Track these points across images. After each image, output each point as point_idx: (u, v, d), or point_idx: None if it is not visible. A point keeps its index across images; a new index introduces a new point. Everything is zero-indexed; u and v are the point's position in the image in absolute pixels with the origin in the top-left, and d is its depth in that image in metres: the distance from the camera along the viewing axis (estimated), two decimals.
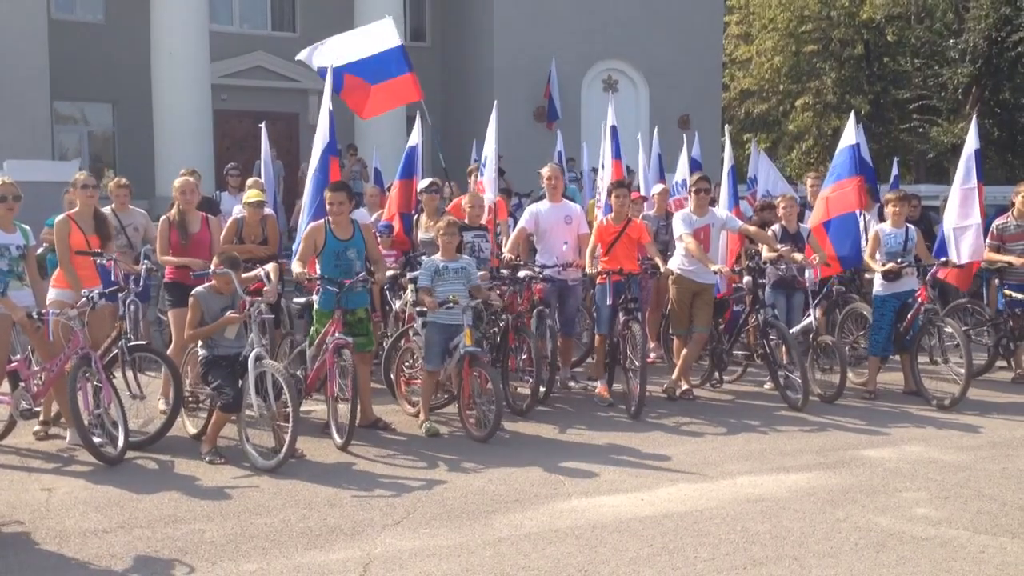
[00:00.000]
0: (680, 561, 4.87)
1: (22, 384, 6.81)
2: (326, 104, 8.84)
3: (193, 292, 6.82)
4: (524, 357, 8.37)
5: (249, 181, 10.53)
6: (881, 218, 10.23)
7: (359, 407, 7.11)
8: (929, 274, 8.81)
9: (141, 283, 7.67)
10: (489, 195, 9.54)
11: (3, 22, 16.14)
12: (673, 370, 9.06)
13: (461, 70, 21.78)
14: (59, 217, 7.37)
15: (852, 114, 10.21)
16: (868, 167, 11.73)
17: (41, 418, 7.23)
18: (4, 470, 6.36)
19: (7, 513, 5.51)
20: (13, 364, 6.78)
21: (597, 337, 8.88)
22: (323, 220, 7.52)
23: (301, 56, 10.49)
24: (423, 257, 8.37)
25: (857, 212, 9.52)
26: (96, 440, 6.52)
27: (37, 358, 6.99)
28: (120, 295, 7.04)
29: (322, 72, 9.72)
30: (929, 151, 29.23)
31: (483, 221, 9.02)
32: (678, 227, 8.79)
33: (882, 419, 8.07)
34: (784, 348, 8.63)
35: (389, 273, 9.17)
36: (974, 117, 10.39)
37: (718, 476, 6.39)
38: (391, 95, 10.27)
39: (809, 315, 8.93)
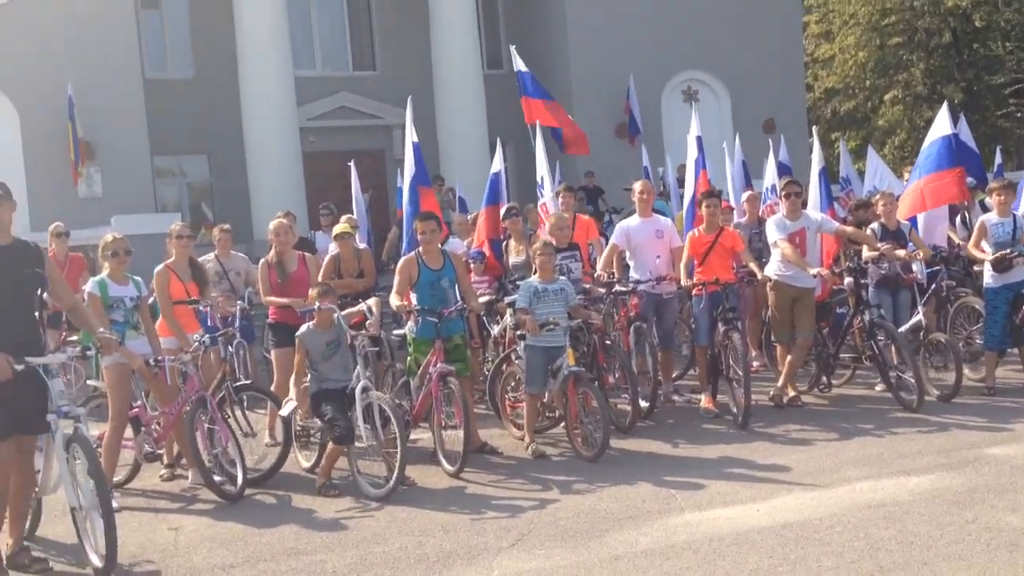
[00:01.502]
0: (803, 571, 4.76)
1: (143, 429, 7.09)
2: (410, 136, 9.02)
3: (297, 334, 7.00)
4: (618, 374, 8.33)
5: (343, 218, 10.78)
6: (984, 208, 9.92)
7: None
8: None
9: (237, 323, 7.92)
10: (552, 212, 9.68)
11: (102, 84, 16.90)
12: (778, 378, 8.89)
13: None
14: (158, 268, 7.68)
15: (944, 104, 9.91)
16: (974, 156, 11.33)
17: (166, 461, 7.50)
18: (132, 512, 6.61)
19: (139, 553, 5.72)
20: (134, 410, 7.06)
21: (698, 349, 8.78)
22: (414, 252, 7.67)
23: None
24: (518, 281, 8.43)
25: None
26: (216, 479, 6.74)
27: (152, 403, 7.26)
28: (221, 338, 7.28)
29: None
30: None
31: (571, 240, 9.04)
32: (772, 233, 8.65)
33: (1004, 415, 7.76)
34: (894, 348, 8.39)
35: (484, 299, 9.26)
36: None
37: (835, 483, 6.24)
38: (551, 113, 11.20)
39: (918, 312, 8.67)
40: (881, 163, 13.07)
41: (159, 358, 6.84)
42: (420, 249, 7.63)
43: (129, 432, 7.03)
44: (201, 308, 7.74)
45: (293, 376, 7.09)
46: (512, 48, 11.51)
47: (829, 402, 8.81)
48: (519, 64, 11.19)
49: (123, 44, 17.43)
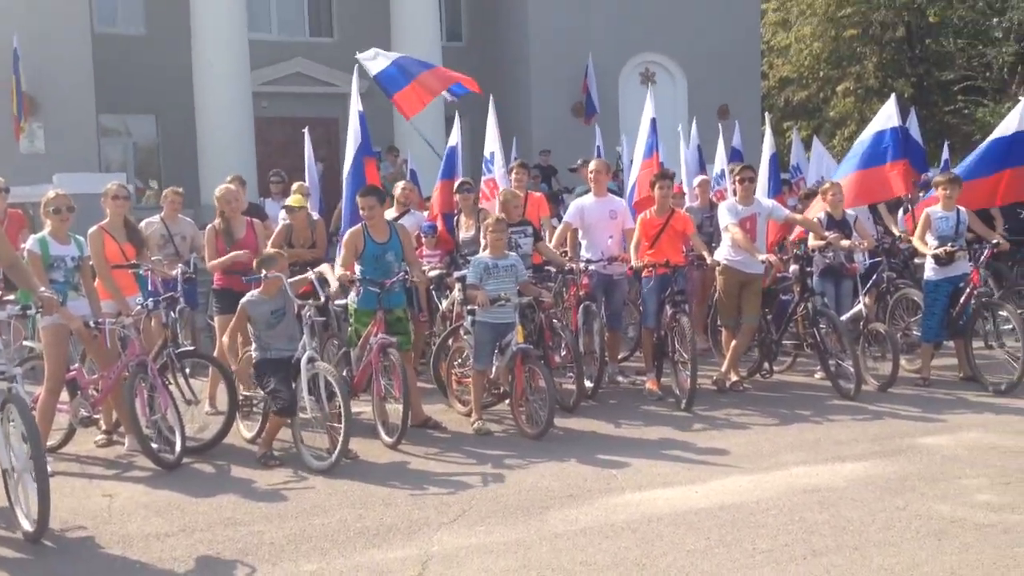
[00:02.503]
0: (739, 553, 4.83)
1: (80, 393, 6.94)
2: (355, 105, 8.90)
3: (243, 300, 6.90)
4: (564, 353, 8.37)
5: (295, 186, 10.64)
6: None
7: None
8: (983, 256, 8.63)
9: (179, 288, 7.78)
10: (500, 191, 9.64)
11: (48, 37, 16.42)
12: (721, 362, 8.99)
13: (497, 69, 21.74)
14: (92, 229, 7.47)
15: (893, 96, 10.04)
16: (919, 150, 11.53)
17: (103, 427, 7.37)
18: (66, 477, 6.48)
19: (70, 519, 5.62)
20: (71, 373, 6.90)
21: (644, 331, 8.84)
22: (360, 225, 7.59)
23: (364, 59, 10.63)
24: (468, 257, 8.40)
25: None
26: (154, 446, 6.63)
27: (90, 366, 7.12)
28: (163, 303, 7.15)
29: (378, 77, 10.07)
30: (975, 133, 28.65)
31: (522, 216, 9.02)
32: (724, 217, 8.72)
33: (938, 406, 7.95)
34: (835, 336, 8.53)
35: (434, 273, 9.22)
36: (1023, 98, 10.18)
37: (772, 467, 6.34)
38: (427, 88, 10.41)
39: (859, 302, 8.82)
40: (826, 153, 13.25)
41: (99, 320, 6.69)
42: (366, 223, 7.56)
43: (65, 395, 6.88)
44: (141, 272, 7.58)
45: (226, 337, 6.98)
46: (356, 55, 10.82)
47: (770, 388, 8.94)
48: (372, 70, 10.59)
49: None
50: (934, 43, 30.67)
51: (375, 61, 10.61)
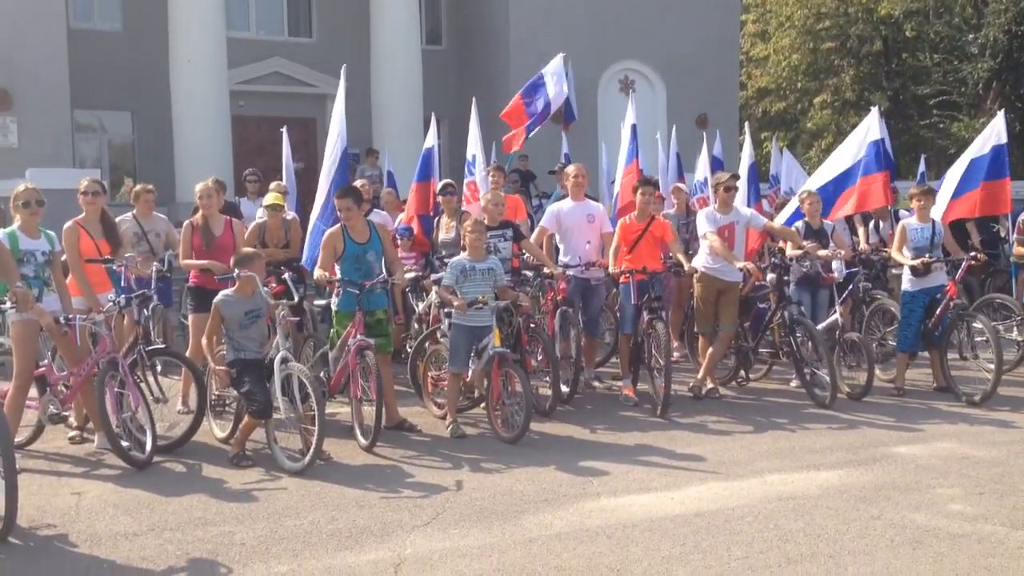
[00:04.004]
0: (713, 560, 4.81)
1: (49, 389, 6.82)
2: (339, 105, 8.82)
3: (216, 299, 6.80)
4: (541, 358, 8.34)
5: (272, 185, 10.56)
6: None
7: (385, 408, 7.11)
8: (960, 270, 8.68)
9: (153, 286, 7.68)
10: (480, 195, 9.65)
11: (23, 32, 16.25)
12: (697, 369, 9.00)
13: (477, 73, 21.75)
14: (67, 224, 7.39)
15: (875, 109, 10.12)
16: (889, 163, 11.67)
17: (75, 424, 7.25)
18: (34, 474, 6.37)
19: (38, 517, 5.51)
20: (41, 369, 6.79)
21: (621, 336, 8.82)
22: (340, 226, 7.51)
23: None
24: (447, 259, 8.35)
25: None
26: (124, 444, 6.53)
27: (60, 363, 7.01)
28: (135, 300, 7.06)
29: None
30: (950, 147, 28.97)
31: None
32: (702, 225, 8.73)
33: (912, 416, 7.98)
34: (811, 345, 8.56)
35: (410, 275, 9.17)
36: (1000, 112, 10.29)
37: (748, 474, 6.33)
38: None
39: (835, 312, 8.86)
40: (796, 165, 13.35)
41: (69, 317, 6.58)
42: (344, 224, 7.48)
43: (34, 392, 6.77)
44: (115, 268, 7.49)
45: (204, 339, 6.89)
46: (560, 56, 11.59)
47: (746, 395, 8.95)
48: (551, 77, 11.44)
49: None
50: (910, 58, 31.02)
51: (559, 75, 11.39)
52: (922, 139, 29.59)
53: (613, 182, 11.67)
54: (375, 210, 9.92)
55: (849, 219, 10.60)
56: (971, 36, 28.45)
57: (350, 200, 7.43)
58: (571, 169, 9.23)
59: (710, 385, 8.81)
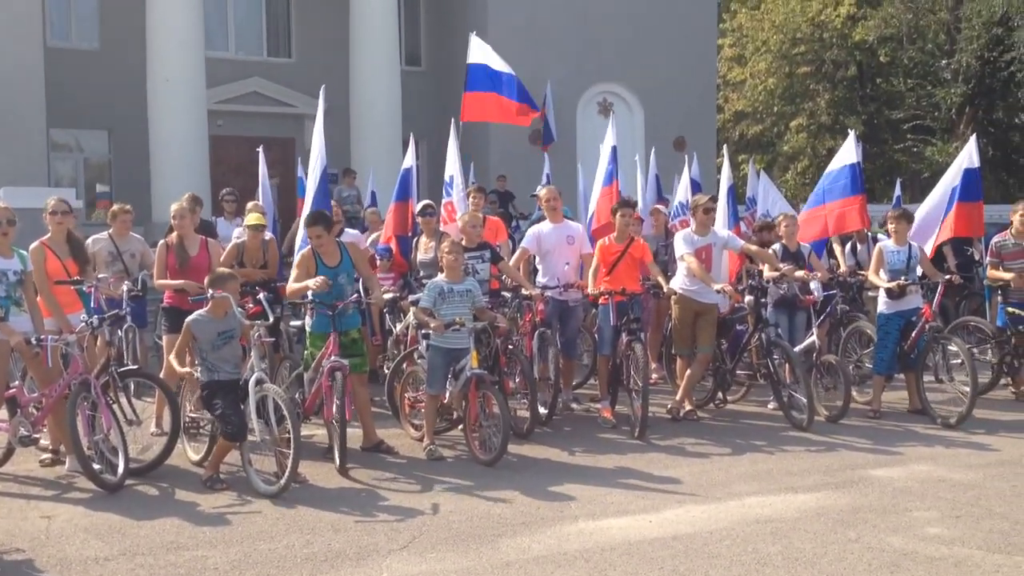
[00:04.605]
0: None
1: (20, 411, 6.72)
2: (319, 126, 8.81)
3: (188, 319, 6.73)
4: (519, 379, 8.31)
5: (249, 205, 10.49)
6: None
7: (363, 429, 7.05)
8: (937, 293, 8.74)
9: (125, 306, 7.58)
10: (458, 215, 9.64)
11: (0, 49, 16.12)
12: (675, 391, 8.99)
13: (456, 94, 21.73)
14: (33, 245, 7.30)
15: (852, 133, 10.22)
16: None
17: (51, 447, 7.13)
18: (3, 498, 6.26)
19: (7, 541, 5.41)
20: (11, 391, 6.69)
21: (600, 358, 8.81)
22: (310, 248, 7.47)
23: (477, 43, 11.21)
24: (424, 280, 8.32)
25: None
26: (96, 467, 6.43)
27: (31, 384, 6.90)
28: (107, 321, 6.96)
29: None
30: (923, 171, 29.33)
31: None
32: (680, 247, 8.75)
33: (888, 438, 8.01)
34: (788, 367, 8.58)
35: (388, 296, 9.12)
36: (972, 136, 10.43)
37: (725, 497, 6.32)
38: (500, 108, 11.10)
39: (812, 334, 8.89)
40: (772, 188, 13.44)
41: (41, 337, 6.49)
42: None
43: (3, 413, 6.66)
44: (84, 289, 7.39)
45: (173, 357, 6.81)
46: (472, 35, 11.41)
47: (723, 417, 8.95)
48: (474, 56, 11.16)
49: (25, 8, 16.65)
50: (885, 83, 31.41)
51: (483, 50, 11.20)
52: (896, 163, 29.95)
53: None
54: (346, 230, 9.87)
55: (827, 241, 10.68)
56: (944, 62, 28.85)
57: (320, 227, 7.39)
58: (543, 192, 9.25)
59: (688, 407, 8.80)
